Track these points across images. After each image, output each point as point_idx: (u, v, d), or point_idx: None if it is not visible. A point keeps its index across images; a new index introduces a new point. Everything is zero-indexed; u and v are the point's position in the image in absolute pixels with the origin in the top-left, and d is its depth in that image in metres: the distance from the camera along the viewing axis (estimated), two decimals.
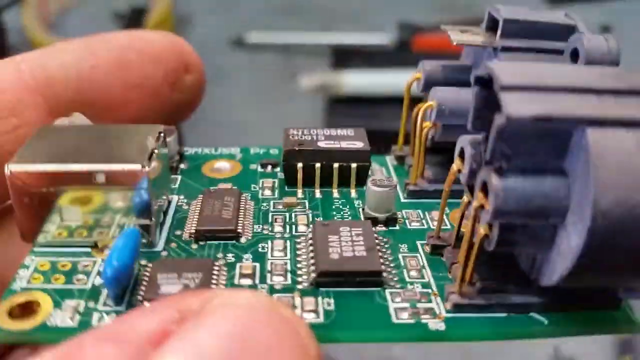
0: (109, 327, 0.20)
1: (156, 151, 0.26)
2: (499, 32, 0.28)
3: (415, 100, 0.31)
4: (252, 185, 0.31)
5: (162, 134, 0.27)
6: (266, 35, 1.09)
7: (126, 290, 0.24)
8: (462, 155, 0.24)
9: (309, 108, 0.91)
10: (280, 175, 0.32)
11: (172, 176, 0.31)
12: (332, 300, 0.24)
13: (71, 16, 1.16)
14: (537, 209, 0.21)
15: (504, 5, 0.28)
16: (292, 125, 0.32)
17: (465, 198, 0.24)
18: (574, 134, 0.21)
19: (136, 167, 0.25)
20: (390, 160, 0.33)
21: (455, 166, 0.24)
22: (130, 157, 0.25)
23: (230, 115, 0.91)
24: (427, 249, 0.27)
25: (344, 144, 0.31)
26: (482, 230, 0.22)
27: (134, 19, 1.05)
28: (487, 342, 0.23)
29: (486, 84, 0.22)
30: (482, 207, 0.22)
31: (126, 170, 0.25)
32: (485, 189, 0.22)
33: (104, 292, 0.24)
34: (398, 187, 0.31)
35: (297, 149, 0.30)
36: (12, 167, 0.25)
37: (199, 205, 0.29)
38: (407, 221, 0.29)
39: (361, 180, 0.30)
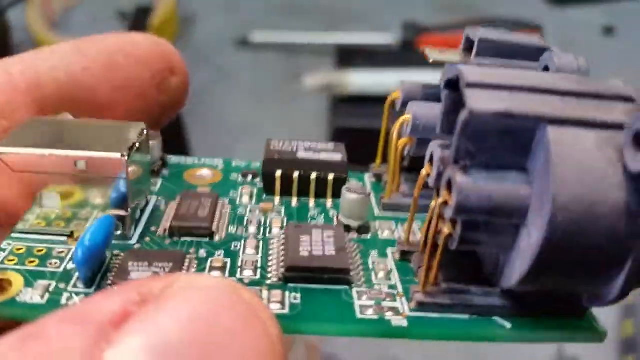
0: (73, 308, 0.20)
1: (137, 144, 0.27)
2: (474, 51, 0.29)
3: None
4: (231, 192, 0.32)
5: (144, 130, 0.28)
6: (270, 35, 1.11)
7: (97, 274, 0.24)
8: (432, 160, 0.25)
9: (314, 108, 0.91)
10: (260, 185, 0.32)
11: (153, 179, 0.32)
12: (299, 295, 0.24)
13: (75, 14, 1.18)
14: (498, 206, 0.22)
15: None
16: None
17: (433, 202, 0.25)
18: (536, 133, 0.21)
19: (116, 155, 0.26)
20: (368, 177, 0.34)
21: (424, 170, 0.25)
22: (111, 147, 0.26)
23: (234, 115, 0.91)
24: (397, 255, 0.27)
25: (323, 156, 0.31)
26: (445, 229, 0.23)
27: (139, 18, 1.06)
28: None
29: (455, 86, 0.23)
30: (445, 203, 0.22)
31: (106, 158, 0.26)
32: (450, 187, 0.22)
33: (76, 275, 0.25)
34: (374, 202, 0.31)
35: (276, 157, 0.31)
36: None
37: (176, 205, 0.29)
38: (379, 232, 0.29)
39: (337, 192, 0.31)
